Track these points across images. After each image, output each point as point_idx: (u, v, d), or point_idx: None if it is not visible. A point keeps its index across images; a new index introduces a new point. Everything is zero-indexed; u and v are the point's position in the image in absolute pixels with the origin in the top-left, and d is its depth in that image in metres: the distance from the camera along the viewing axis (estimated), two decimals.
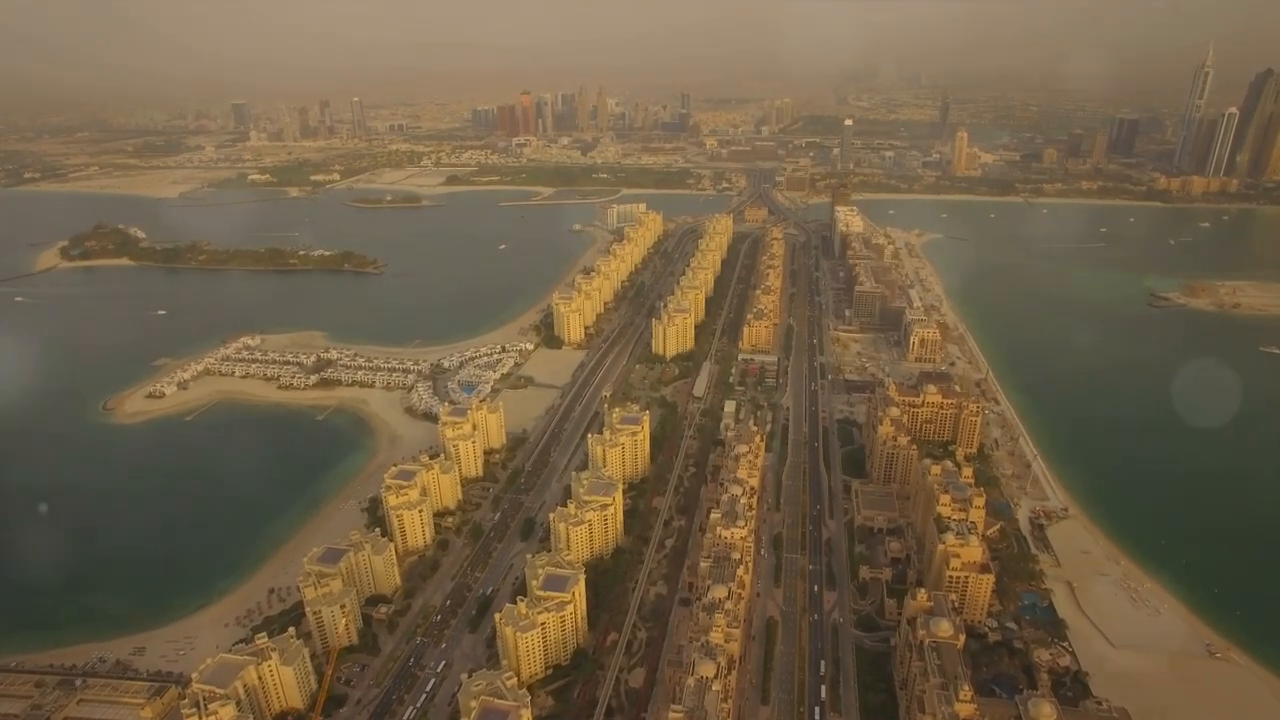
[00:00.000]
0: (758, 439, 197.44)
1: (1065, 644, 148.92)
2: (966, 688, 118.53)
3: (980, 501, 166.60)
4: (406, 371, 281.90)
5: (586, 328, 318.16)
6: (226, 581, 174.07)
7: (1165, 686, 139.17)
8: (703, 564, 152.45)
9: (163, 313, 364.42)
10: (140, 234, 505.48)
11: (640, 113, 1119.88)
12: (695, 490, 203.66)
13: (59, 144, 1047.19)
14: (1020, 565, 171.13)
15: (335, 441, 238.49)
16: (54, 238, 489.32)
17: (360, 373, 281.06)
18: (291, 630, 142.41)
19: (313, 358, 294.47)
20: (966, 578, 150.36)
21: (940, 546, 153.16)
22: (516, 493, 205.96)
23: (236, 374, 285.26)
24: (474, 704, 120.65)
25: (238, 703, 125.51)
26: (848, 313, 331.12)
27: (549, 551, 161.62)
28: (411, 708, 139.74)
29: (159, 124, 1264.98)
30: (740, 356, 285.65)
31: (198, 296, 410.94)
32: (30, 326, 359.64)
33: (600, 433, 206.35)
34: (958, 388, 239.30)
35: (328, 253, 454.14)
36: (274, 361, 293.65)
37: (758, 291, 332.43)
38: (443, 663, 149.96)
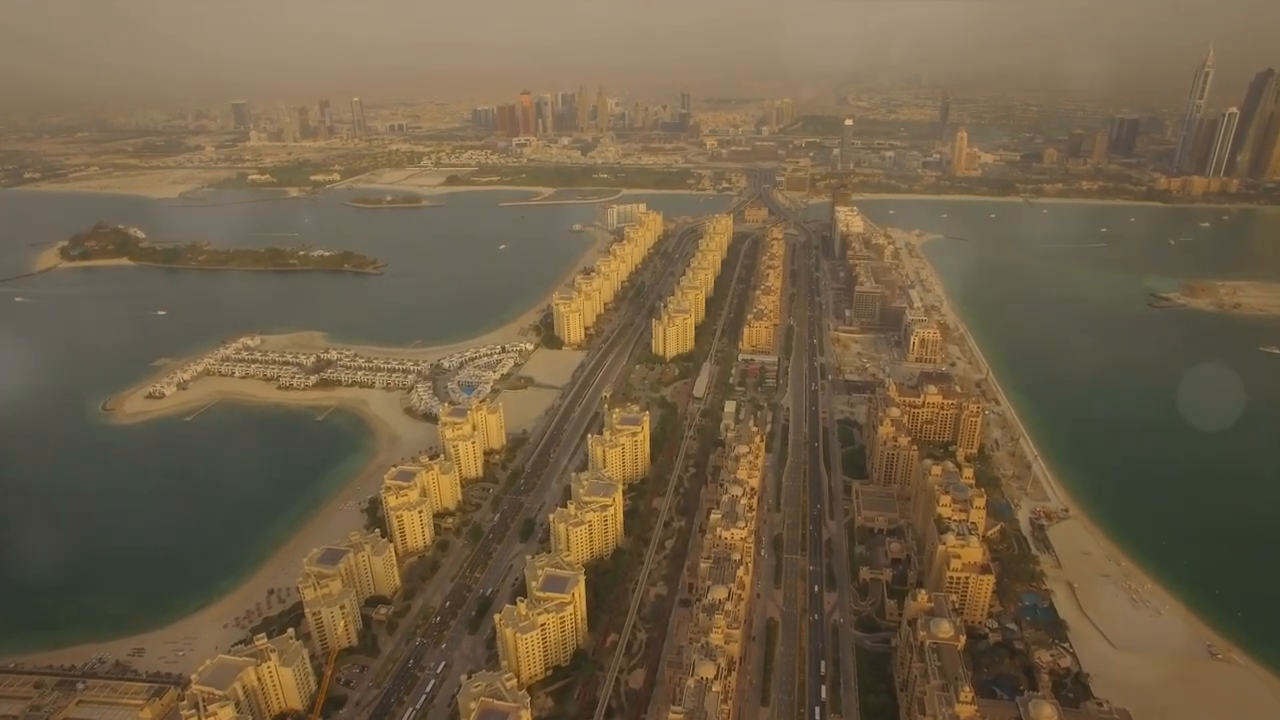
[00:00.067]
0: (758, 439, 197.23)
1: (1066, 645, 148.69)
2: (967, 689, 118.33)
3: (981, 502, 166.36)
4: (406, 372, 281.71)
5: (586, 328, 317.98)
6: (226, 582, 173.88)
7: (1166, 687, 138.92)
8: (703, 565, 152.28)
9: (162, 313, 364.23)
10: (140, 234, 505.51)
11: (640, 113, 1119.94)
12: (695, 491, 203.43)
13: (59, 144, 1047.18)
14: (1021, 566, 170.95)
15: (335, 442, 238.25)
16: (54, 238, 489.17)
17: (360, 373, 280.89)
18: (291, 631, 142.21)
19: (312, 358, 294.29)
20: (967, 578, 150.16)
21: (941, 547, 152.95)
22: (516, 493, 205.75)
23: (236, 374, 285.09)
24: (473, 705, 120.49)
25: (237, 704, 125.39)
26: (848, 313, 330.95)
27: (549, 552, 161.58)
28: (411, 709, 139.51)
29: (159, 124, 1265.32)
30: (740, 357, 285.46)
31: (198, 296, 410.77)
32: (30, 326, 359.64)
33: (600, 433, 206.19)
34: (958, 388, 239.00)
35: (328, 253, 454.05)
36: (274, 362, 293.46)
37: (758, 292, 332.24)
38: (442, 664, 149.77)
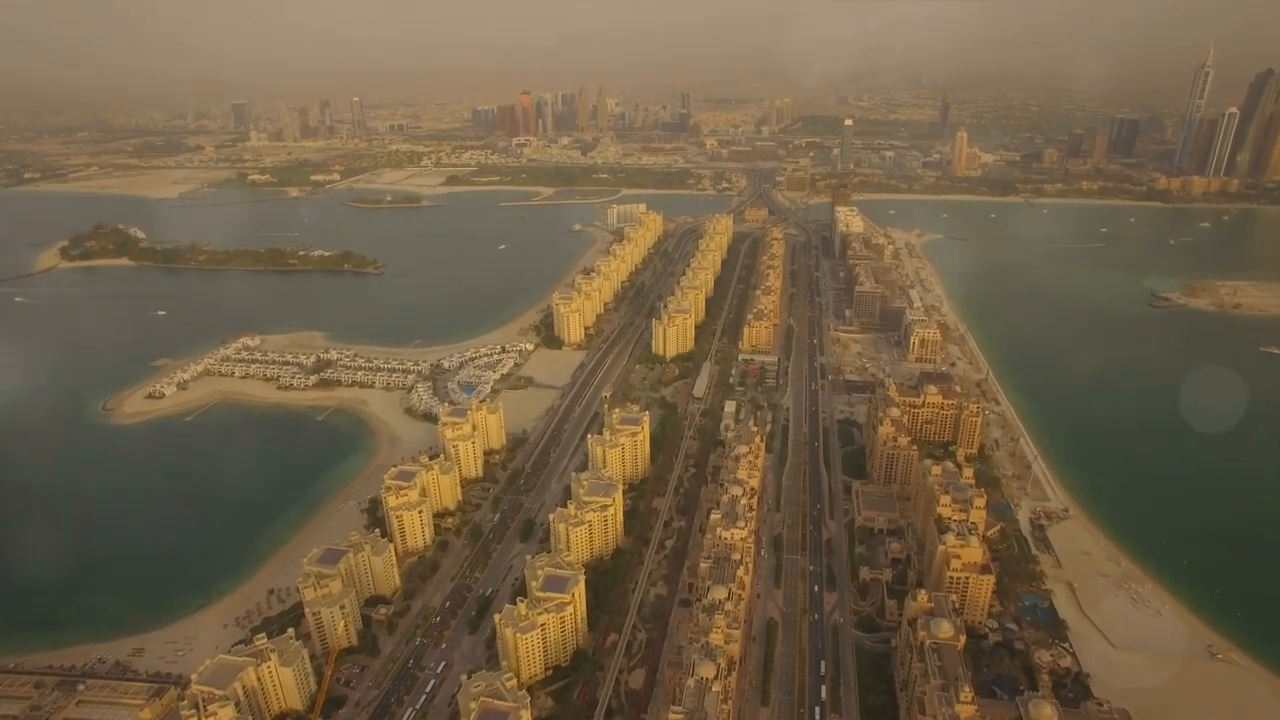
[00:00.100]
0: (758, 439, 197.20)
1: (1066, 645, 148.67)
2: (967, 689, 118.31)
3: (981, 502, 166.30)
4: (406, 372, 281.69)
5: (586, 328, 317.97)
6: (226, 582, 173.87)
7: (1166, 688, 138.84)
8: (703, 565, 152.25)
9: (162, 313, 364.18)
10: (140, 234, 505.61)
11: (640, 113, 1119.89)
12: (695, 491, 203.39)
13: (59, 144, 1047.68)
14: (1021, 566, 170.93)
15: (335, 442, 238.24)
16: (54, 238, 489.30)
17: (360, 373, 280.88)
18: (291, 631, 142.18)
19: (312, 358, 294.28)
20: (967, 578, 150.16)
21: (941, 547, 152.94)
22: (516, 493, 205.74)
23: (236, 374, 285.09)
24: (473, 705, 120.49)
25: (237, 704, 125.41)
26: (848, 313, 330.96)
27: (549, 552, 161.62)
28: (411, 709, 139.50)
29: (159, 124, 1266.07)
30: (740, 357, 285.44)
31: (197, 296, 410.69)
32: (30, 327, 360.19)
33: (600, 433, 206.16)
34: (958, 388, 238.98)
35: (328, 253, 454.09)
36: (274, 362, 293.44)
37: (758, 292, 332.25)
38: (442, 664, 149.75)
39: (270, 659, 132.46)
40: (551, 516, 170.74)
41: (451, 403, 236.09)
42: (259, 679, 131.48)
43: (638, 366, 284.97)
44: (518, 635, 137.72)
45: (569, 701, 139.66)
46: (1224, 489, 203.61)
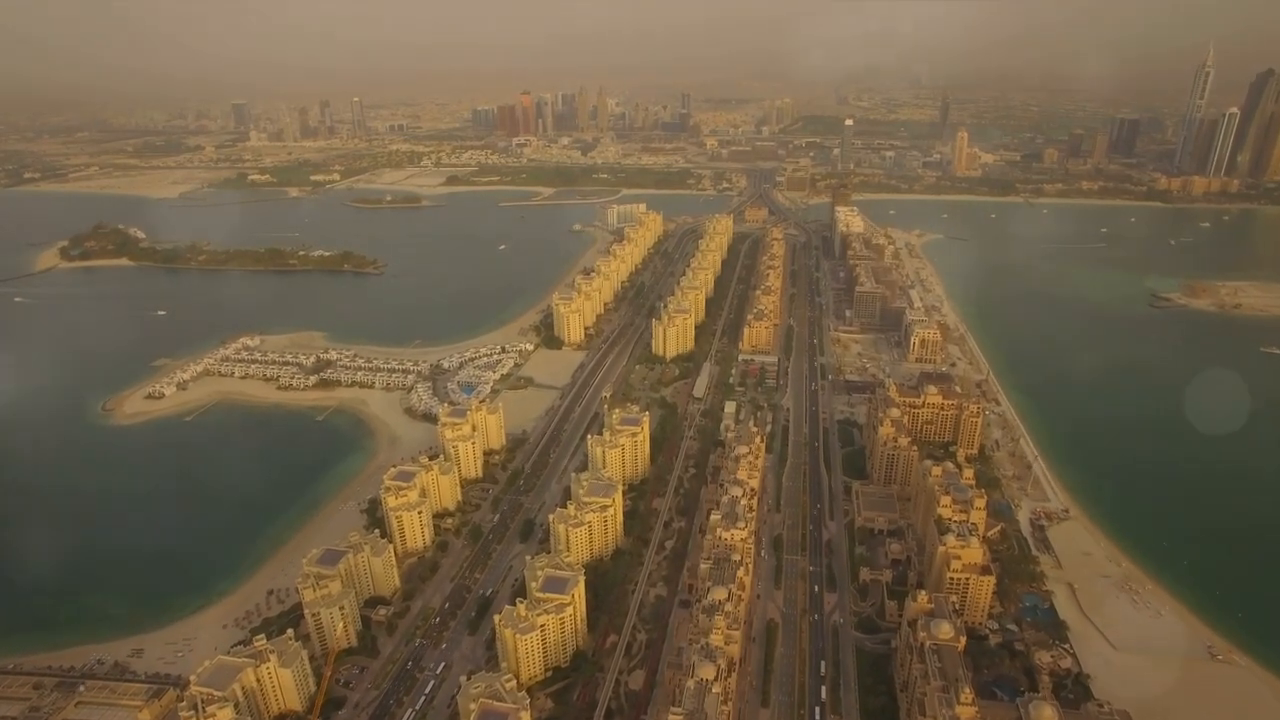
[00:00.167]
0: (758, 440, 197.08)
1: (1066, 646, 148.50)
2: (967, 690, 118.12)
3: (981, 503, 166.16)
4: (406, 372, 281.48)
5: (586, 328, 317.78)
6: (225, 583, 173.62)
7: (1167, 689, 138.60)
8: (703, 565, 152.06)
9: (162, 313, 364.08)
10: (140, 234, 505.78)
11: (640, 113, 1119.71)
12: (695, 491, 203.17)
13: (59, 144, 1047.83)
14: (1021, 567, 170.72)
15: (334, 442, 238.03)
16: (54, 238, 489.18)
17: (360, 373, 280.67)
18: (290, 632, 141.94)
19: (312, 358, 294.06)
20: (967, 579, 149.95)
21: (941, 548, 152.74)
22: (516, 494, 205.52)
23: (236, 374, 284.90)
24: (473, 706, 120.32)
25: (236, 705, 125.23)
26: (848, 313, 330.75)
27: (548, 553, 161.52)
28: (410, 710, 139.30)
29: (159, 124, 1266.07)
30: (740, 357, 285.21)
31: (197, 297, 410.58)
32: (30, 327, 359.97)
33: (600, 434, 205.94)
34: (958, 388, 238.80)
35: (327, 253, 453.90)
36: (273, 362, 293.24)
37: (758, 292, 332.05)
38: (442, 665, 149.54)
39: (269, 660, 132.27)
40: (551, 517, 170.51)
41: (451, 403, 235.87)
42: (258, 680, 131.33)
43: (638, 367, 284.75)
44: (517, 636, 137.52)
45: (569, 703, 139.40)
46: (1225, 489, 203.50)
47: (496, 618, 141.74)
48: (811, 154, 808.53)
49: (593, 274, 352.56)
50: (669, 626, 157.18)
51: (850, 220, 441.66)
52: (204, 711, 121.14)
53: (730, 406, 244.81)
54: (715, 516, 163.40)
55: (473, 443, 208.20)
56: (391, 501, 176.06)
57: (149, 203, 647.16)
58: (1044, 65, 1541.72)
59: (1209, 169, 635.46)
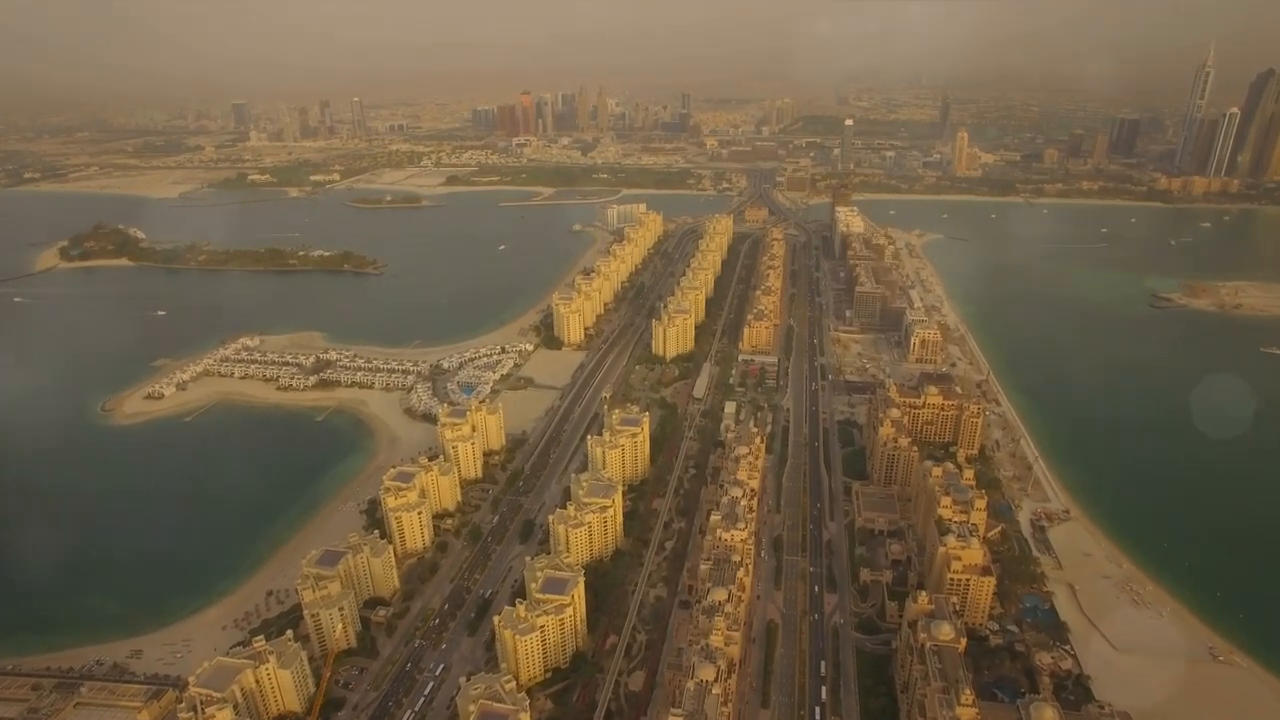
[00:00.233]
0: (758, 440, 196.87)
1: (1067, 647, 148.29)
2: (968, 691, 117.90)
3: (981, 503, 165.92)
4: (406, 372, 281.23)
5: (586, 328, 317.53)
6: (224, 584, 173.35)
7: (1168, 690, 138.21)
8: (703, 566, 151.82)
9: (162, 313, 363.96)
10: (140, 234, 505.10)
11: (640, 113, 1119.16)
12: (695, 492, 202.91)
13: (59, 144, 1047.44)
14: (1022, 567, 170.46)
15: (334, 443, 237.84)
16: (54, 238, 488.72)
17: (359, 374, 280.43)
18: (289, 633, 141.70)
19: (312, 358, 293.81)
20: (968, 580, 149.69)
21: (941, 549, 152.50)
22: (516, 494, 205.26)
23: (235, 375, 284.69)
24: (473, 707, 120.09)
25: (235, 706, 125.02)
26: (848, 313, 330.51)
27: (548, 554, 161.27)
28: (410, 711, 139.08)
29: (159, 124, 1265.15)
30: (740, 357, 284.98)
31: (197, 297, 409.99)
32: (29, 327, 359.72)
33: (600, 434, 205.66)
34: (959, 389, 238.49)
35: (327, 253, 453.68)
36: (273, 362, 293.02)
37: (758, 292, 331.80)
38: (441, 666, 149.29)
39: (268, 661, 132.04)
40: (551, 518, 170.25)
41: (451, 403, 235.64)
42: (257, 681, 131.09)
43: (638, 367, 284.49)
44: (517, 637, 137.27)
45: (568, 704, 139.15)
46: (1225, 490, 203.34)
47: (496, 619, 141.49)
48: (811, 154, 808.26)
49: (593, 274, 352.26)
50: (669, 627, 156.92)
51: (850, 220, 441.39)
52: (203, 713, 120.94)
53: (730, 407, 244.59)
54: (715, 517, 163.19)
55: (472, 443, 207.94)
56: (391, 502, 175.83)
57: (149, 203, 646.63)
58: (1044, 65, 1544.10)
59: (1209, 169, 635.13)
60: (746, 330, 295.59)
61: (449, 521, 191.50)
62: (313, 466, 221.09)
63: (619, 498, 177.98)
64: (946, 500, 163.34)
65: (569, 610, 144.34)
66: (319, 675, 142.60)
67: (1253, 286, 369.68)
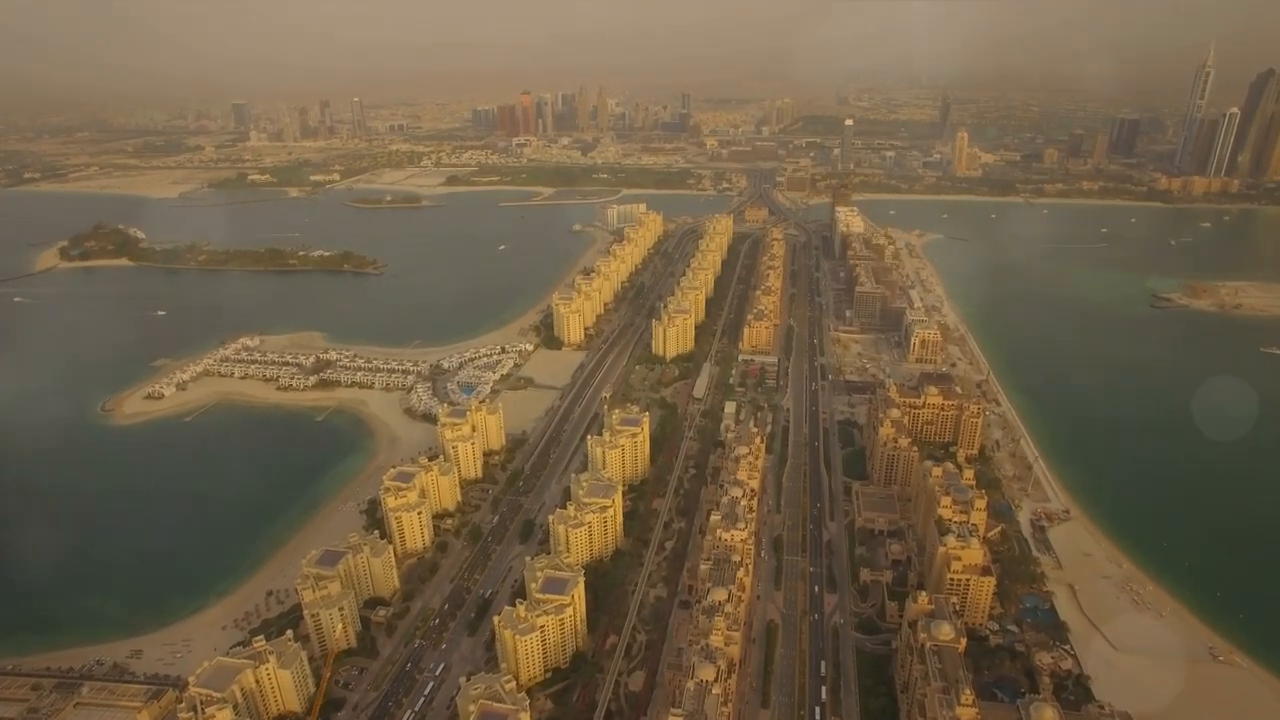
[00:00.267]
0: (758, 440, 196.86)
1: (1067, 647, 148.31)
2: (968, 691, 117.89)
3: (981, 503, 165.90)
4: (406, 372, 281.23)
5: (586, 329, 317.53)
6: (224, 584, 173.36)
7: (1168, 690, 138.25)
8: (703, 566, 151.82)
9: (162, 313, 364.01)
10: (140, 234, 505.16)
11: (640, 113, 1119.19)
12: (695, 492, 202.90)
13: (59, 144, 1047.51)
14: (1022, 568, 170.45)
15: (334, 443, 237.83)
16: (53, 238, 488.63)
17: (359, 374, 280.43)
18: (289, 633, 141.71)
19: (312, 358, 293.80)
20: (968, 580, 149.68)
21: (941, 549, 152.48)
22: (516, 494, 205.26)
23: (236, 375, 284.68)
24: (473, 708, 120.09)
25: (235, 706, 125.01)
26: (848, 313, 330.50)
27: (548, 554, 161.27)
28: (410, 711, 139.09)
29: (159, 124, 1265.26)
30: (740, 357, 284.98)
31: (197, 297, 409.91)
32: (29, 327, 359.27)
33: (600, 434, 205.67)
34: (959, 389, 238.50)
35: (327, 253, 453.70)
36: (273, 362, 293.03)
37: (758, 292, 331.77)
38: (441, 666, 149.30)
39: (268, 661, 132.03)
40: (551, 518, 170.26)
41: (451, 403, 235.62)
42: (257, 681, 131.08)
43: (638, 367, 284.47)
44: (517, 637, 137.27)
45: (568, 704, 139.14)
46: (1225, 490, 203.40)
47: (496, 619, 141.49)
48: (811, 154, 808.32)
49: (593, 274, 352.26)
50: (669, 627, 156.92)
51: (850, 220, 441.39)
52: (203, 713, 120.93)
53: (730, 407, 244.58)
54: (715, 517, 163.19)
55: (472, 443, 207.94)
56: (391, 502, 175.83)
57: (149, 203, 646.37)
58: (1044, 65, 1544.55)
59: (1209, 169, 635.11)
60: (746, 330, 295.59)
61: (449, 521, 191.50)
62: (313, 466, 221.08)
63: (619, 498, 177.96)
64: (946, 500, 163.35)
65: (569, 610, 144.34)
66: (319, 675, 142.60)
67: (1253, 286, 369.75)
